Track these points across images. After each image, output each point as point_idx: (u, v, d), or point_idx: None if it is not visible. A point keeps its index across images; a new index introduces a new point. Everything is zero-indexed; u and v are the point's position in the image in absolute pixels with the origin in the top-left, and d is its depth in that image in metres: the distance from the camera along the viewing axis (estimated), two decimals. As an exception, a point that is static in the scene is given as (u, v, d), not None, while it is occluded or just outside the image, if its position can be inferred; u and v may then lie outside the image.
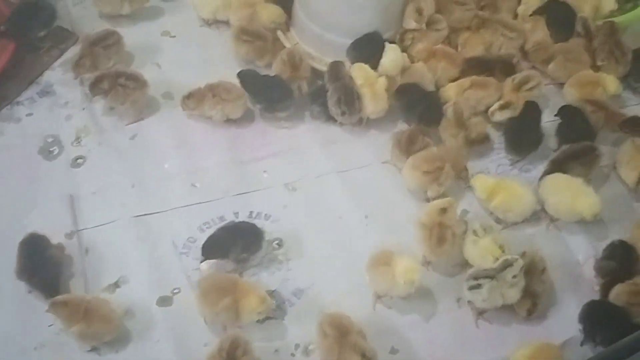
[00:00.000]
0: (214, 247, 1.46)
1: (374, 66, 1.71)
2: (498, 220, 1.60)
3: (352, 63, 1.71)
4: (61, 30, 1.81)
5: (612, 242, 1.53)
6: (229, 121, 1.71)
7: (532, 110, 1.70)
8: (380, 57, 1.70)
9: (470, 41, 1.84)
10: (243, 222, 1.53)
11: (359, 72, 1.70)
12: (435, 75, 1.77)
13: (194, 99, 1.68)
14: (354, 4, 1.68)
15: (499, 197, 1.58)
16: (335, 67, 1.70)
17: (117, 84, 1.66)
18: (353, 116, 1.69)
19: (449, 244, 1.46)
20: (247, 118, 1.73)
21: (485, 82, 1.75)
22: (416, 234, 1.50)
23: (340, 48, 1.74)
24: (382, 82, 1.69)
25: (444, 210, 1.48)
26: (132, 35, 1.81)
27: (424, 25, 1.77)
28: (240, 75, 1.71)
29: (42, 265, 1.39)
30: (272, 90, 1.70)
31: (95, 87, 1.66)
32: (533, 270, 1.45)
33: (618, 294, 1.43)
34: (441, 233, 1.46)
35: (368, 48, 1.71)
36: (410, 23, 1.78)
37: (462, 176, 1.63)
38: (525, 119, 1.70)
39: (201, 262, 1.46)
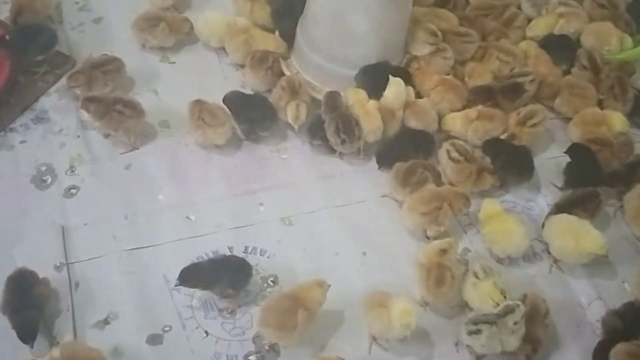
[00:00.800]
0: (196, 276, 1.41)
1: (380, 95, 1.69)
2: (499, 260, 1.56)
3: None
4: (58, 54, 1.78)
5: (630, 302, 1.48)
6: (225, 152, 1.68)
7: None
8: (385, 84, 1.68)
9: (476, 71, 1.81)
10: (233, 256, 1.49)
11: (352, 96, 1.68)
12: (439, 105, 1.74)
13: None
14: (356, 35, 1.65)
15: (491, 225, 1.55)
16: (332, 97, 1.67)
17: (112, 110, 1.62)
18: (353, 144, 1.65)
19: (447, 286, 1.42)
20: (242, 149, 1.70)
21: (492, 114, 1.72)
22: (414, 274, 1.46)
23: (342, 79, 1.71)
24: (372, 102, 1.67)
25: (443, 251, 1.44)
26: (130, 60, 1.78)
27: (440, 45, 1.75)
28: (225, 98, 1.69)
29: (25, 306, 1.34)
30: (255, 110, 1.68)
31: (86, 103, 1.63)
32: (535, 314, 1.42)
33: (618, 352, 1.38)
34: (440, 274, 1.42)
35: (377, 76, 1.68)
36: (424, 47, 1.76)
37: (464, 207, 1.58)
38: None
39: (175, 286, 1.41)
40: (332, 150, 1.70)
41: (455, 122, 1.72)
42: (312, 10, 1.69)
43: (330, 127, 1.65)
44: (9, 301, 1.35)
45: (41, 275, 1.40)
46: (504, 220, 1.55)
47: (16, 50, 1.70)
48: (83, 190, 1.59)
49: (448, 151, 1.65)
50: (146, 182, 1.62)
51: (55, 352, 1.28)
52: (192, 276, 1.41)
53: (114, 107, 1.63)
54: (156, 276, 1.48)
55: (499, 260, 1.56)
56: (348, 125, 1.64)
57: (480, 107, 1.72)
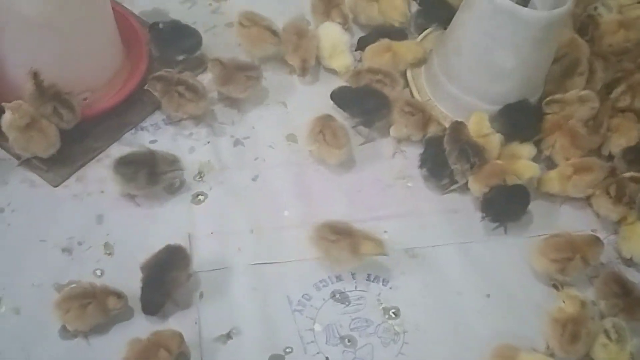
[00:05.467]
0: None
1: (522, 137, 1.65)
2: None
3: (498, 130, 1.63)
4: (194, 56, 1.77)
5: None
6: (349, 174, 1.66)
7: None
8: (529, 126, 1.64)
9: (624, 126, 1.71)
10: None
11: (476, 119, 1.64)
12: (552, 150, 1.67)
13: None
14: (500, 71, 1.61)
15: None
16: (457, 127, 1.63)
17: (174, 90, 1.61)
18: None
19: (582, 343, 1.38)
20: (366, 173, 1.67)
21: (589, 165, 1.62)
22: (546, 326, 1.42)
23: (476, 111, 1.67)
24: (497, 138, 1.62)
25: (580, 306, 1.40)
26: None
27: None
28: (333, 94, 1.69)
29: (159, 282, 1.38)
30: (367, 100, 1.67)
31: (153, 82, 1.62)
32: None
33: None
34: (576, 330, 1.38)
35: (518, 117, 1.64)
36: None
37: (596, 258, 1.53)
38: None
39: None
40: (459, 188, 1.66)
41: (553, 183, 1.63)
42: (456, 39, 1.66)
43: (453, 153, 1.60)
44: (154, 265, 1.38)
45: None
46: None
47: (161, 46, 1.71)
48: (210, 198, 1.58)
49: None
50: (272, 196, 1.61)
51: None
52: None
53: (177, 87, 1.62)
54: (279, 295, 1.47)
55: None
56: (476, 149, 1.60)
57: (572, 160, 1.64)
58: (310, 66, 1.77)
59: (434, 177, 1.65)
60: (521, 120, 1.64)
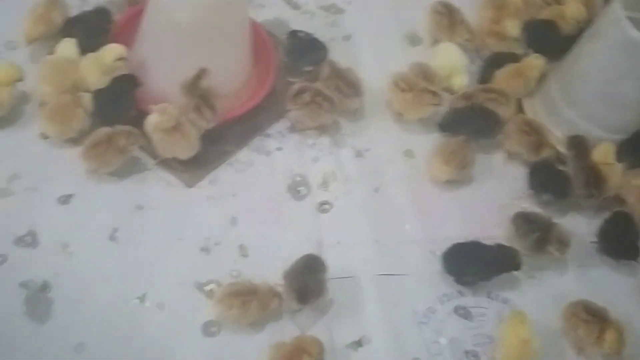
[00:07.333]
0: None
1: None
2: None
3: (619, 160, 1.67)
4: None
5: None
6: (464, 193, 1.70)
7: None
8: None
9: None
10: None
11: (604, 150, 1.67)
12: None
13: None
14: (624, 101, 1.65)
15: None
16: (581, 142, 1.66)
17: (313, 102, 1.66)
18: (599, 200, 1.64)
19: None
20: (480, 192, 1.71)
21: None
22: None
23: (593, 139, 1.70)
24: (619, 168, 1.65)
25: None
26: (375, 82, 1.81)
27: None
28: (442, 127, 1.73)
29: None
30: (477, 120, 1.72)
31: (299, 92, 1.67)
32: None
33: None
34: None
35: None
36: None
37: None
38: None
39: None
40: (561, 208, 1.69)
41: None
42: (581, 67, 1.70)
43: (580, 177, 1.63)
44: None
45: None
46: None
47: (295, 55, 1.77)
48: (336, 208, 1.63)
49: None
50: (393, 209, 1.65)
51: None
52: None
53: (315, 98, 1.67)
54: (405, 306, 1.51)
55: None
56: (599, 179, 1.63)
57: None
58: None
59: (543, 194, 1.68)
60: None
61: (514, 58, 1.86)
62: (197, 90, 1.55)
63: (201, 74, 1.54)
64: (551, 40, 1.89)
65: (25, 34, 1.69)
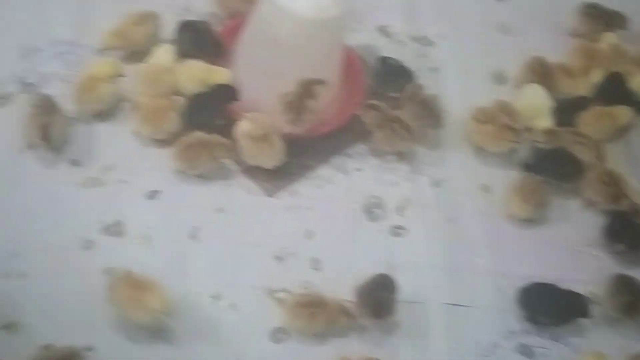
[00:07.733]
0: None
1: None
2: None
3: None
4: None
5: None
6: (537, 231, 1.71)
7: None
8: None
9: None
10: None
11: None
12: None
13: None
14: None
15: None
16: None
17: (389, 127, 1.70)
18: None
19: None
20: (554, 231, 1.71)
21: None
22: None
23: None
24: None
25: None
26: (457, 116, 1.84)
27: None
28: (527, 166, 1.73)
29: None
30: (560, 165, 1.72)
31: (369, 110, 1.71)
32: None
33: None
34: None
35: None
36: None
37: None
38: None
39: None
40: (633, 259, 1.68)
41: None
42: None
43: None
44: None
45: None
46: None
47: (384, 79, 1.82)
48: (409, 233, 1.66)
49: None
50: (466, 240, 1.67)
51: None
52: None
53: (392, 124, 1.70)
54: (469, 338, 1.52)
55: None
56: None
57: None
58: None
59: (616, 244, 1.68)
60: None
61: (595, 103, 1.87)
62: (301, 98, 1.60)
63: (317, 82, 1.60)
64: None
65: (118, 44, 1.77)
